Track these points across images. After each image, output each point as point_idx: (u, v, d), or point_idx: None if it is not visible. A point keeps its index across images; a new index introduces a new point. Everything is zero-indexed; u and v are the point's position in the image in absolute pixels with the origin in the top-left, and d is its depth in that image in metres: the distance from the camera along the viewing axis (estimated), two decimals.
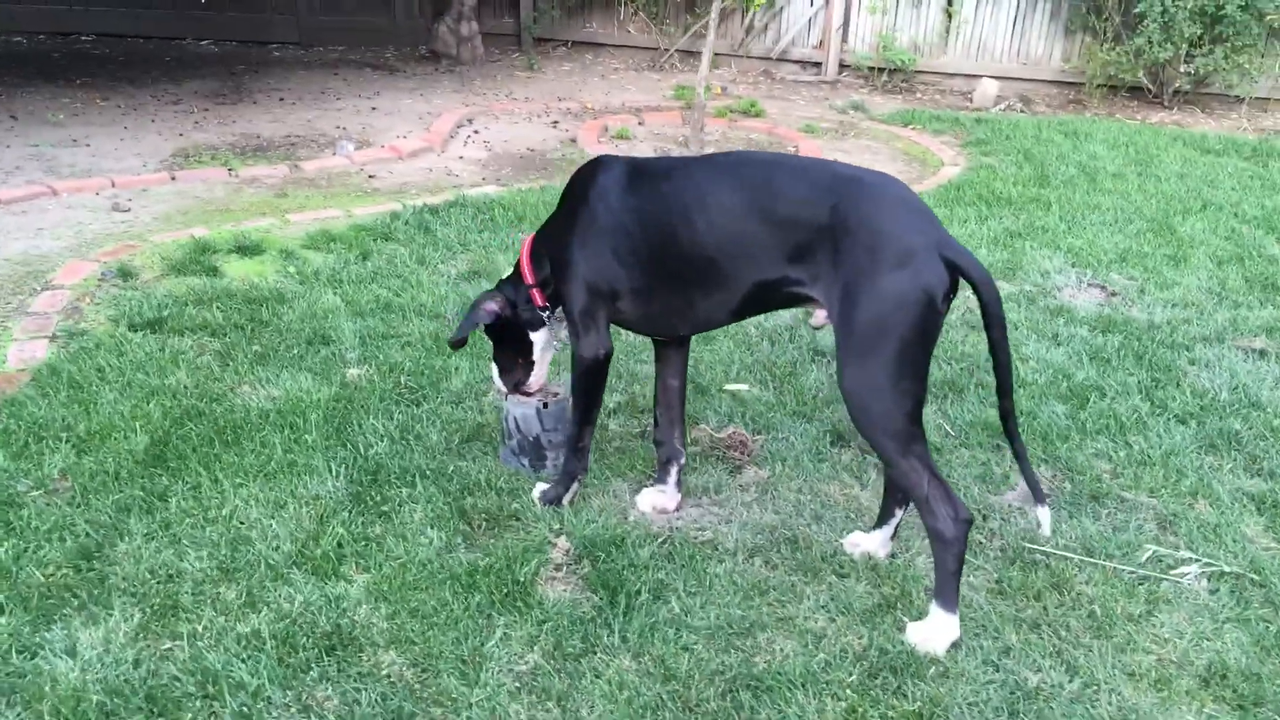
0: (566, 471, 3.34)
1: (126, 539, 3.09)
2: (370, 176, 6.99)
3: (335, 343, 4.40)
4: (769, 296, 2.93)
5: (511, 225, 5.92)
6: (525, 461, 3.53)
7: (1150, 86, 10.37)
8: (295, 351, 4.30)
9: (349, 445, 3.60)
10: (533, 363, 3.44)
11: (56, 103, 8.53)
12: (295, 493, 3.32)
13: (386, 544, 3.10)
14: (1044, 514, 2.85)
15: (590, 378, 3.20)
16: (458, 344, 3.35)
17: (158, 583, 2.92)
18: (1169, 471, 3.65)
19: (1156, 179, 7.36)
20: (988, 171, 7.40)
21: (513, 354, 3.45)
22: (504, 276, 3.44)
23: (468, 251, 5.56)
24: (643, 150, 7.96)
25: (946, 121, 9.11)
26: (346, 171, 7.07)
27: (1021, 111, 10.07)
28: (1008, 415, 2.79)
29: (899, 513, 3.11)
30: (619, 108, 9.39)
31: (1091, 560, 3.15)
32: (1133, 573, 3.12)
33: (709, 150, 7.94)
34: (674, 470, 3.39)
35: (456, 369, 4.18)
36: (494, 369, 3.52)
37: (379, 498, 3.32)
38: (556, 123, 8.78)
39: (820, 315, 2.89)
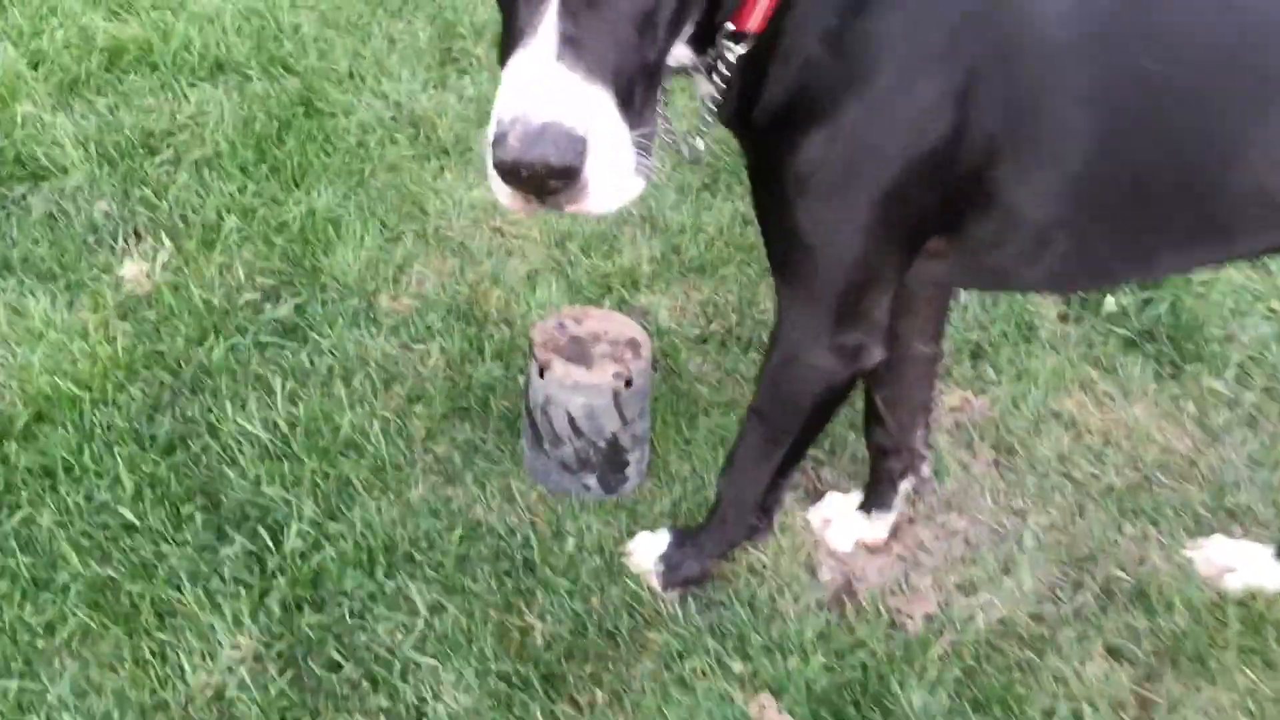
0: (725, 537, 1.67)
1: None
2: None
3: (55, 175, 2.21)
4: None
5: None
6: (591, 481, 1.80)
7: None
8: None
9: (224, 501, 1.69)
10: (656, 97, 1.45)
11: None
12: (168, 685, 1.47)
13: None
14: None
15: (825, 402, 1.46)
16: None
17: None
18: None
19: None
20: None
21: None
22: None
23: None
24: None
25: None
26: None
27: None
28: None
29: None
30: None
31: None
32: None
33: None
34: (903, 489, 1.81)
35: (341, 232, 2.17)
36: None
37: (343, 686, 1.53)
38: None
39: None
